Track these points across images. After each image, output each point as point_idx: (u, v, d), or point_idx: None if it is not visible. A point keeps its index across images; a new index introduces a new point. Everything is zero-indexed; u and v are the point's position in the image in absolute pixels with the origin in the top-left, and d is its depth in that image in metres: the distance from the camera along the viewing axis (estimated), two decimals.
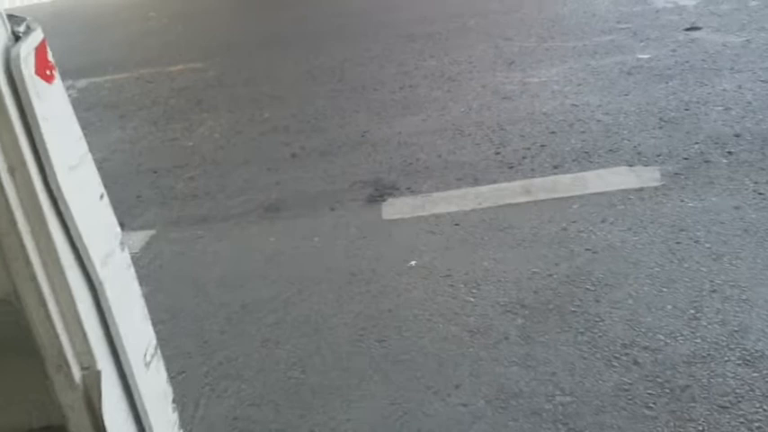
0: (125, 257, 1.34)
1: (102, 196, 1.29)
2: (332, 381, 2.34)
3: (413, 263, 2.91)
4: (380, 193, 3.60)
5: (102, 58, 7.26)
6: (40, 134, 1.11)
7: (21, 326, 1.16)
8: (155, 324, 1.44)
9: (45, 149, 1.12)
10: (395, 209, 3.42)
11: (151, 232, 3.59)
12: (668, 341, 2.24)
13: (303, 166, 4.12)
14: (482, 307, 2.55)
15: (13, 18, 1.17)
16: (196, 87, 5.89)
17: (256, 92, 5.53)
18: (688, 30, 5.26)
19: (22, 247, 1.11)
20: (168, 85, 6.06)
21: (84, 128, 1.18)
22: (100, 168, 1.28)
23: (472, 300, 2.60)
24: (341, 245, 3.18)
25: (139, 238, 3.54)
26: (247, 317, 2.76)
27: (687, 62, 4.62)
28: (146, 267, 3.24)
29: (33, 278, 1.12)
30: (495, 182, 3.48)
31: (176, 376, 2.51)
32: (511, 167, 3.59)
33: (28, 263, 1.11)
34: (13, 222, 1.10)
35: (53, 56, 1.21)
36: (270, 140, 4.57)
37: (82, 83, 6.43)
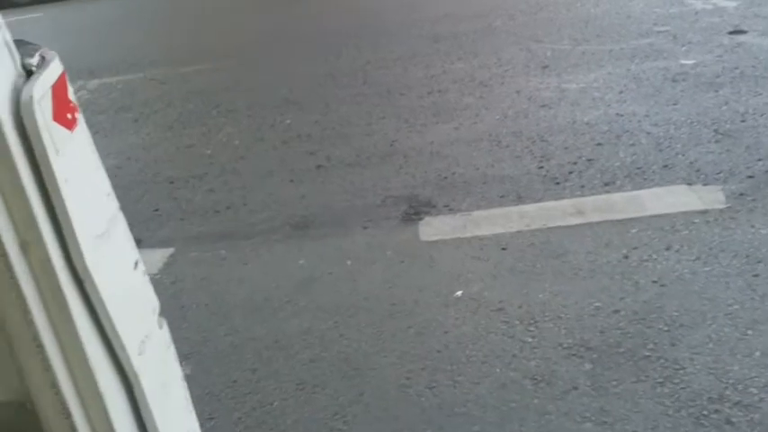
0: (164, 336, 1.09)
1: (136, 264, 1.04)
2: None
3: (459, 293, 2.65)
4: (416, 211, 3.34)
5: (113, 58, 7.03)
6: (61, 200, 0.86)
7: None
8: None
9: (67, 218, 0.87)
10: (433, 229, 3.16)
11: (170, 250, 3.35)
12: (763, 396, 1.98)
13: (329, 178, 3.87)
14: (543, 349, 2.29)
15: (23, 46, 0.91)
16: (212, 90, 5.65)
17: (276, 95, 5.28)
18: (732, 33, 4.98)
19: (39, 346, 0.86)
20: (183, 87, 5.82)
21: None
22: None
23: (530, 340, 2.34)
24: (377, 270, 2.92)
25: (158, 257, 3.29)
26: (280, 353, 2.52)
27: (736, 68, 4.34)
28: (166, 291, 3.00)
29: (54, 385, 0.87)
30: (541, 200, 3.22)
31: (204, 423, 2.25)
32: (557, 184, 3.33)
33: (47, 367, 0.86)
34: (26, 312, 0.85)
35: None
36: (293, 149, 4.32)
37: (93, 83, 6.20)
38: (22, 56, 0.88)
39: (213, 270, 3.13)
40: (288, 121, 4.77)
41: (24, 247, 0.84)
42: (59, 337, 0.87)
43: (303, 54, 6.23)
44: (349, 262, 3.03)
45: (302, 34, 6.85)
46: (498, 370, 2.24)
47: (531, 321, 2.42)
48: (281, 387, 2.35)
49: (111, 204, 1.01)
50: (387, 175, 3.77)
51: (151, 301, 1.09)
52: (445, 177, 3.61)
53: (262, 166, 4.16)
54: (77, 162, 0.92)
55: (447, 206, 3.33)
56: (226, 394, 2.36)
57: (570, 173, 3.41)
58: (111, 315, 0.93)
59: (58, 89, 0.91)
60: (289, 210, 3.59)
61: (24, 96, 0.83)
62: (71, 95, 0.94)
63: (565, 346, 2.29)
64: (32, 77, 0.87)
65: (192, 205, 3.77)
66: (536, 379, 2.17)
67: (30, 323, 0.85)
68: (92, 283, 0.90)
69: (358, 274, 2.93)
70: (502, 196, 3.31)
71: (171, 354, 1.12)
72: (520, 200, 3.25)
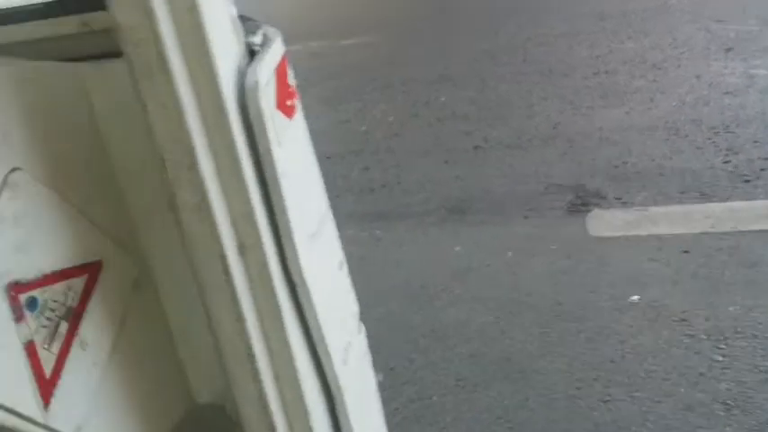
0: (363, 342, 1.00)
1: (341, 264, 0.95)
2: None
3: (635, 298, 2.43)
4: (583, 202, 3.12)
5: None
6: (280, 197, 0.77)
7: None
8: None
9: (285, 217, 0.78)
10: (603, 224, 2.94)
11: None
12: None
13: (488, 160, 3.71)
14: (735, 370, 2.05)
15: (245, 22, 0.83)
16: (368, 64, 5.60)
17: (431, 72, 5.15)
18: None
19: (251, 355, 0.78)
20: (340, 61, 5.82)
21: None
22: None
23: (720, 359, 2.10)
24: (540, 264, 2.75)
25: None
26: (438, 344, 2.42)
27: None
28: None
29: (261, 397, 0.79)
30: (728, 199, 2.91)
31: None
32: (747, 182, 2.99)
33: (256, 378, 0.78)
34: (240, 319, 0.77)
35: None
36: (449, 128, 4.19)
37: None
38: (246, 33, 0.80)
39: (369, 251, 3.08)
40: (443, 99, 4.64)
41: (242, 250, 0.76)
42: (270, 347, 0.80)
43: (460, 29, 6.05)
44: (509, 253, 2.87)
45: (459, 9, 6.66)
46: (682, 389, 2.02)
47: (721, 337, 2.18)
48: (439, 381, 2.26)
49: (323, 200, 0.92)
50: (550, 160, 3.56)
51: (353, 304, 1.00)
52: (616, 167, 3.36)
53: (416, 144, 4.07)
54: (295, 153, 0.84)
55: (619, 199, 3.09)
56: (385, 382, 2.28)
57: (762, 170, 3.06)
58: (320, 322, 0.84)
59: (281, 72, 0.82)
60: (444, 192, 3.47)
61: (249, 81, 0.75)
62: (291, 79, 0.86)
63: (762, 369, 2.04)
64: (256, 59, 0.78)
65: (347, 182, 3.74)
66: (728, 404, 1.94)
67: (242, 331, 0.77)
68: (304, 287, 0.82)
69: (519, 267, 2.77)
70: (682, 192, 3.02)
71: (368, 361, 1.03)
72: (703, 197, 2.95)
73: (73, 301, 0.74)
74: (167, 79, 0.68)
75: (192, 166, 0.71)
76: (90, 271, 0.76)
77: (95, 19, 0.79)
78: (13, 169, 0.69)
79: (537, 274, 2.69)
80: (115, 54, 0.75)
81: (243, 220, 0.75)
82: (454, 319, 2.53)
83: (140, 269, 0.84)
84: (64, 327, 0.72)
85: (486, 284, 2.69)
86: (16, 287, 0.68)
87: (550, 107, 4.18)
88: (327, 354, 0.86)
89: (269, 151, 0.76)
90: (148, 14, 0.66)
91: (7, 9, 0.83)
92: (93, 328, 0.76)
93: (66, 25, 0.80)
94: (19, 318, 0.68)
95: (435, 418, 2.12)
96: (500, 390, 2.16)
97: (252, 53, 0.80)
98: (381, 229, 3.25)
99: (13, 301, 0.67)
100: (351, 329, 0.96)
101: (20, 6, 0.82)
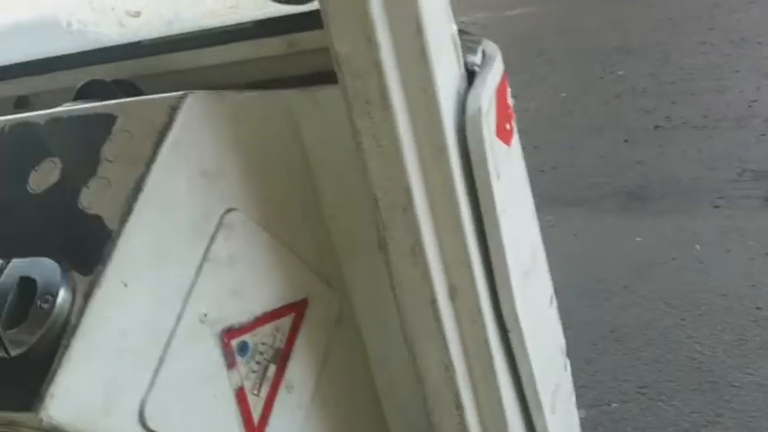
0: (568, 380, 0.91)
1: (551, 299, 0.86)
2: None
3: None
4: None
5: None
6: (497, 236, 0.69)
7: None
8: None
9: (501, 258, 0.70)
10: None
11: None
12: None
13: (671, 141, 3.43)
14: None
15: (462, 37, 0.74)
16: (537, 35, 5.36)
17: (605, 43, 4.83)
18: None
19: (459, 408, 0.72)
20: (506, 32, 5.60)
21: None
22: None
23: None
24: (734, 261, 2.51)
25: None
26: (618, 345, 2.28)
27: None
28: None
29: None
30: None
31: None
32: None
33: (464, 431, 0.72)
34: (450, 369, 0.71)
35: None
36: (626, 105, 3.92)
37: None
38: (464, 52, 0.72)
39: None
40: (620, 72, 4.34)
41: (453, 294, 0.70)
42: (479, 398, 0.73)
43: None
44: (697, 247, 2.64)
45: None
46: None
47: None
48: (619, 386, 2.13)
49: (535, 228, 0.84)
50: (744, 142, 3.23)
51: (560, 338, 0.92)
52: None
53: (591, 122, 3.84)
54: (513, 184, 0.76)
55: None
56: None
57: None
58: (533, 371, 0.76)
59: (501, 93, 0.74)
60: (622, 176, 3.26)
61: (471, 107, 0.67)
62: (510, 98, 0.77)
63: None
64: (477, 82, 0.70)
65: None
66: None
67: (451, 380, 0.71)
68: (519, 333, 0.74)
69: (710, 263, 2.54)
70: None
71: (573, 402, 0.95)
72: None
73: (281, 342, 0.72)
74: (386, 115, 0.62)
75: (408, 207, 0.65)
76: (296, 309, 0.73)
77: (302, 39, 0.75)
78: (229, 210, 0.66)
79: (730, 273, 2.46)
80: (321, 74, 0.71)
81: (456, 262, 0.69)
82: (635, 319, 2.37)
83: (342, 305, 0.80)
84: (272, 370, 0.70)
85: (672, 282, 2.50)
86: (229, 333, 0.66)
87: (744, 82, 3.79)
88: (539, 405, 0.79)
89: (488, 186, 0.68)
90: (371, 42, 0.60)
91: (215, 29, 0.81)
92: (299, 369, 0.73)
93: (273, 46, 0.77)
94: (231, 364, 0.66)
95: (615, 427, 2.00)
96: (688, 401, 2.00)
97: (470, 73, 0.72)
98: (553, 214, 3.10)
99: (226, 348, 0.65)
100: (558, 368, 0.88)
101: (228, 26, 0.80)
